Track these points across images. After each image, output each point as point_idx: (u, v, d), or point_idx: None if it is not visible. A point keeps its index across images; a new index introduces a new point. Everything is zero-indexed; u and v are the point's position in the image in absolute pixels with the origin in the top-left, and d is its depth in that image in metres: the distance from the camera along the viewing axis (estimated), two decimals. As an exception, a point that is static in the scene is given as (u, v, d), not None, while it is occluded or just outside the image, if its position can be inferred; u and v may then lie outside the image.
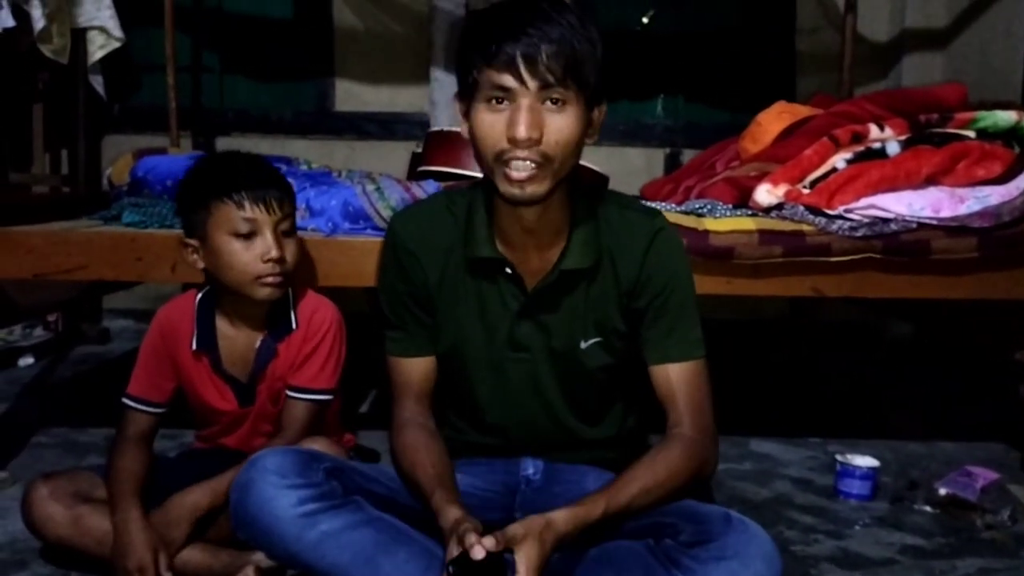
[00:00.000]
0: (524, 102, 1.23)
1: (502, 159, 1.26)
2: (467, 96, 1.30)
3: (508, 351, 1.45)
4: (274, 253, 1.58)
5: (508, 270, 1.41)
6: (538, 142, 1.24)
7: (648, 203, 2.10)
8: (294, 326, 1.70)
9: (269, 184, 1.60)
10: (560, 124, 1.25)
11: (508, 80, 1.23)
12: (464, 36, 1.31)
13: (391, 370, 1.49)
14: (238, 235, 1.57)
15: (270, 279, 1.59)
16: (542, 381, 1.47)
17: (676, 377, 1.41)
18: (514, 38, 1.22)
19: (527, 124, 1.23)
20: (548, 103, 1.25)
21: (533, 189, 1.27)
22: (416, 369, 1.48)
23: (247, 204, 1.57)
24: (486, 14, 1.29)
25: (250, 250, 1.58)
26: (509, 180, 1.27)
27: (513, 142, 1.24)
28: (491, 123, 1.26)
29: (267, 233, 1.58)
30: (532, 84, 1.23)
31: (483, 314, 1.44)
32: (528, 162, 1.25)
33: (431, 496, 1.30)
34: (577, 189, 1.40)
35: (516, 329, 1.44)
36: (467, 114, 1.32)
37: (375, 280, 1.52)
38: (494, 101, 1.25)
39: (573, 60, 1.23)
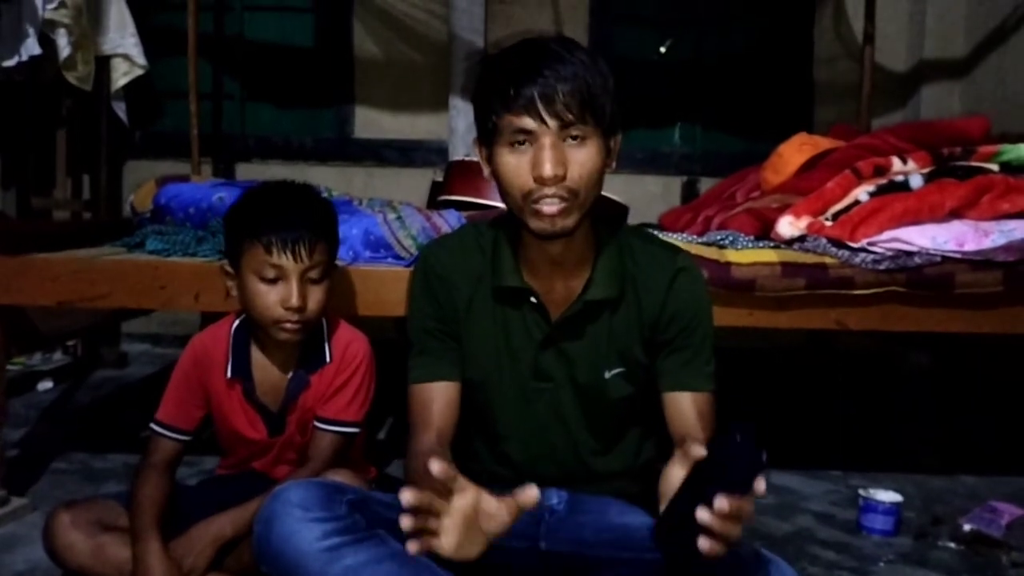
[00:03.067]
0: (546, 141, 1.27)
1: (531, 198, 1.29)
2: (488, 141, 1.34)
3: (531, 380, 1.46)
4: (294, 302, 1.56)
5: (533, 299, 1.43)
6: (563, 178, 1.27)
7: (670, 236, 2.10)
8: (328, 359, 1.69)
9: (305, 227, 1.58)
10: (582, 158, 1.29)
11: (528, 123, 1.26)
12: (480, 83, 1.34)
13: (412, 400, 1.47)
14: (263, 278, 1.58)
15: (288, 325, 1.59)
16: (565, 411, 1.47)
17: (690, 407, 1.41)
18: (530, 80, 1.26)
19: (552, 162, 1.26)
20: (569, 140, 1.28)
21: (563, 223, 1.30)
22: (437, 396, 1.45)
23: (275, 250, 1.55)
24: (499, 60, 1.33)
25: (272, 294, 1.58)
26: (539, 216, 1.30)
27: (540, 180, 1.27)
28: (516, 165, 1.29)
29: (292, 280, 1.57)
30: (552, 123, 1.26)
31: (508, 343, 1.46)
32: (556, 198, 1.28)
33: None
34: (599, 219, 1.43)
35: (540, 358, 1.45)
36: (489, 158, 1.35)
37: (405, 308, 1.53)
38: (516, 144, 1.29)
39: (588, 96, 1.27)
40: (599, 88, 1.28)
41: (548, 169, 1.26)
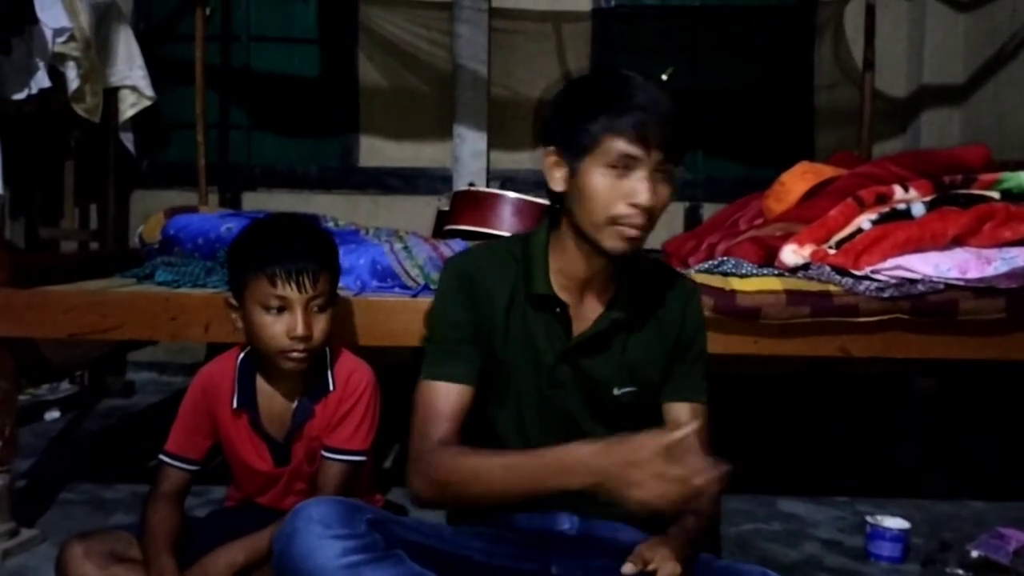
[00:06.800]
0: (646, 171, 1.35)
1: (617, 220, 1.37)
2: (575, 152, 1.39)
3: (546, 387, 1.50)
4: (299, 331, 1.58)
5: (558, 310, 1.48)
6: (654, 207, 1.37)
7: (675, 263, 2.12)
8: (331, 387, 1.71)
9: (308, 258, 1.60)
10: (665, 192, 1.39)
11: (636, 150, 1.34)
12: (584, 97, 1.39)
13: (426, 395, 1.45)
14: (268, 309, 1.60)
15: (294, 355, 1.61)
16: (575, 415, 1.51)
17: (690, 414, 1.52)
18: (645, 111, 1.33)
19: (652, 193, 1.35)
20: (659, 172, 1.37)
21: (636, 246, 1.41)
22: (455, 395, 1.44)
23: (279, 282, 1.57)
24: (605, 82, 1.41)
25: (278, 324, 1.60)
26: (619, 237, 1.38)
27: (635, 207, 1.35)
28: (610, 186, 1.36)
29: (297, 310, 1.59)
30: (656, 155, 1.35)
31: (533, 351, 1.50)
32: (641, 225, 1.37)
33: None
34: None
35: (557, 369, 1.50)
36: (572, 169, 1.40)
37: (426, 314, 1.56)
38: (615, 166, 1.35)
39: (680, 133, 1.37)
40: (683, 124, 1.38)
41: (649, 199, 1.34)
